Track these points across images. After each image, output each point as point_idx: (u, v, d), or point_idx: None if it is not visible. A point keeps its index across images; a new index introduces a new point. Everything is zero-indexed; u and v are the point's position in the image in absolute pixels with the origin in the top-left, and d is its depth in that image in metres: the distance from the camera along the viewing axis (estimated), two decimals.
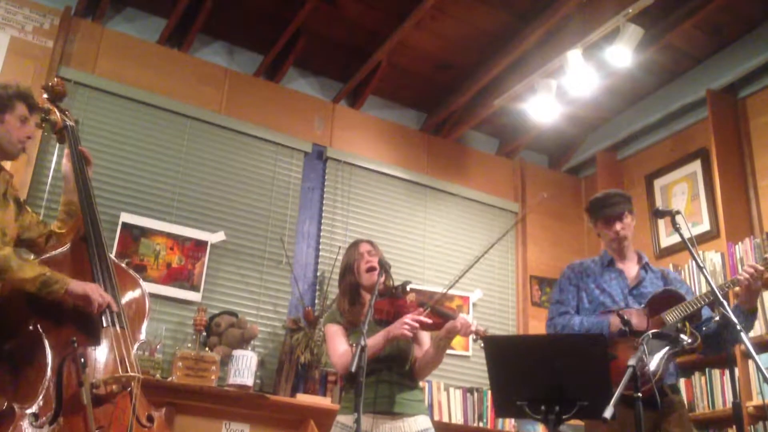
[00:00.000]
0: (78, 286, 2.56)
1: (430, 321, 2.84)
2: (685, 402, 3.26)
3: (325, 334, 3.06)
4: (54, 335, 2.52)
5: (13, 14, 4.20)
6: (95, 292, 2.58)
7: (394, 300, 2.96)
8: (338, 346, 2.94)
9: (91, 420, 2.35)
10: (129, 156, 4.37)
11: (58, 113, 3.02)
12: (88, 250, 2.74)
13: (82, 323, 2.57)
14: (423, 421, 2.93)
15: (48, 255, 2.71)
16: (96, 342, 2.57)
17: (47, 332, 2.52)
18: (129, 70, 4.49)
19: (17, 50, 4.13)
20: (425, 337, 3.03)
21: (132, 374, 2.53)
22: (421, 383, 3.10)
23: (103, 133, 4.32)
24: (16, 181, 2.97)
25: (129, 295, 2.84)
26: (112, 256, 2.89)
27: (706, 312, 3.01)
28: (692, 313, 2.88)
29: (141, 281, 2.95)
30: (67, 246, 2.78)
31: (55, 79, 3.11)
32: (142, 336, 2.86)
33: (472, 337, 2.84)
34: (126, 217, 4.21)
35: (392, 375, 2.94)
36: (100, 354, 2.56)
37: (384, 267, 2.91)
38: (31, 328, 2.51)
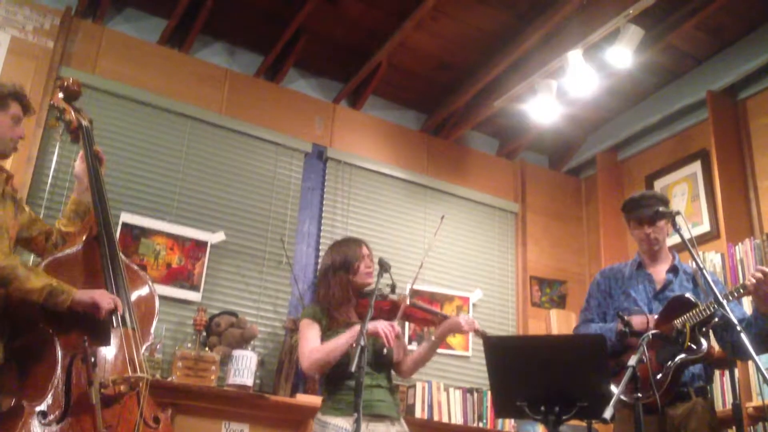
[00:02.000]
0: (84, 295, 2.55)
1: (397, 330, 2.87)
2: (713, 406, 3.16)
3: (300, 328, 3.03)
4: (65, 333, 2.53)
5: (14, 14, 4.20)
6: (103, 298, 2.57)
7: (391, 302, 3.00)
8: (311, 341, 2.93)
9: (100, 419, 2.35)
10: (129, 156, 4.37)
11: (72, 113, 3.03)
12: (100, 250, 2.75)
13: (92, 322, 2.57)
14: (404, 424, 2.99)
15: (60, 254, 2.72)
16: (106, 342, 2.58)
17: (58, 330, 2.52)
18: (129, 70, 4.49)
19: (17, 50, 4.13)
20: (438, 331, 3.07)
21: (141, 375, 2.53)
22: (405, 384, 3.15)
23: (103, 134, 4.31)
24: (16, 181, 2.99)
25: (139, 296, 2.84)
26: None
27: (738, 314, 2.92)
28: (704, 319, 2.80)
29: (150, 282, 2.95)
30: (80, 245, 2.77)
31: (71, 79, 3.11)
32: (151, 336, 2.87)
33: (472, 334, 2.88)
34: (126, 217, 4.22)
35: (384, 378, 2.96)
36: (110, 354, 2.57)
37: (384, 267, 2.91)
38: (42, 325, 2.52)
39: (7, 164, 2.87)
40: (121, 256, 2.84)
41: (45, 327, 2.52)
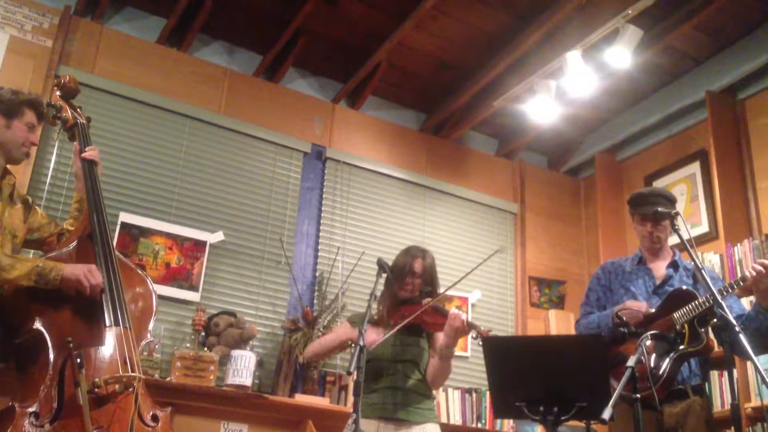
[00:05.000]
0: (72, 270, 2.55)
1: None
2: (710, 403, 3.17)
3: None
4: (57, 334, 2.51)
5: (13, 13, 4.20)
6: (87, 275, 2.56)
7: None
8: (329, 335, 3.02)
9: (88, 421, 2.33)
10: (128, 156, 4.36)
11: (69, 110, 3.04)
12: (94, 249, 2.74)
13: (86, 322, 2.57)
14: (431, 429, 2.93)
15: (54, 253, 2.72)
16: (99, 341, 2.56)
17: (50, 331, 2.51)
18: (128, 69, 4.49)
19: (16, 49, 4.12)
20: (439, 342, 3.02)
21: (133, 374, 2.52)
22: (434, 392, 3.10)
23: (102, 133, 4.32)
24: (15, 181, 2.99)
25: (135, 294, 2.82)
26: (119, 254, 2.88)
27: (737, 309, 2.92)
28: (701, 313, 2.81)
29: (149, 280, 2.94)
30: (73, 244, 2.77)
31: (68, 76, 3.11)
32: (149, 335, 2.85)
33: (471, 335, 2.84)
34: (125, 217, 4.21)
35: (406, 381, 2.94)
36: (103, 353, 2.55)
37: (383, 268, 2.92)
38: (34, 327, 2.51)
39: (12, 168, 2.88)
40: (118, 254, 2.83)
41: (37, 327, 2.50)
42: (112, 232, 4.09)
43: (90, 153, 2.98)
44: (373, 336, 2.89)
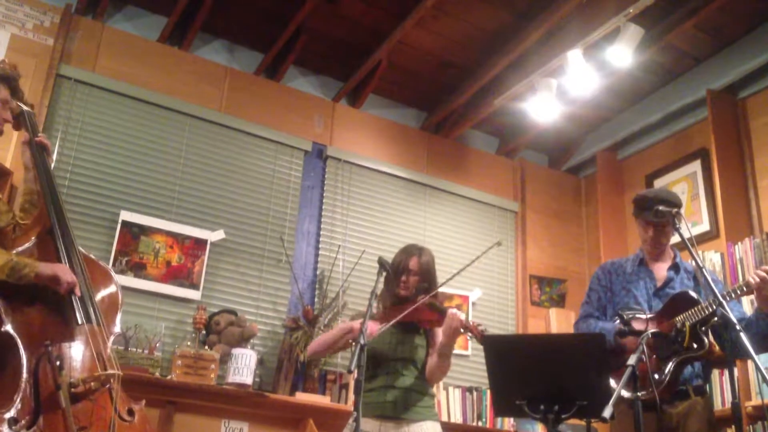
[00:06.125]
0: (47, 268, 2.50)
1: None
2: (712, 404, 3.14)
3: None
4: (27, 336, 2.44)
5: (14, 12, 4.20)
6: (65, 273, 2.52)
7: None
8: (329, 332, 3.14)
9: (71, 421, 2.30)
10: (129, 154, 4.37)
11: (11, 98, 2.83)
12: (55, 243, 2.64)
13: (56, 321, 2.52)
14: (430, 427, 2.93)
15: (14, 251, 2.58)
16: (71, 339, 2.51)
17: (20, 333, 2.44)
18: (129, 68, 4.49)
19: (17, 48, 4.12)
20: (438, 340, 3.03)
21: (111, 372, 2.48)
22: (433, 389, 3.10)
23: (102, 131, 4.33)
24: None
25: (101, 289, 2.76)
26: (81, 248, 2.77)
27: (738, 313, 2.90)
28: (704, 317, 2.78)
29: (113, 272, 2.88)
30: (33, 241, 2.66)
31: (5, 60, 2.91)
32: (117, 329, 2.77)
33: (468, 335, 2.84)
34: (126, 215, 4.21)
35: (403, 379, 2.94)
36: (77, 352, 2.50)
37: (384, 267, 2.92)
38: (2, 329, 2.43)
39: None
40: (79, 248, 2.72)
41: (6, 329, 2.43)
42: (112, 230, 4.12)
43: (42, 137, 2.83)
44: (374, 328, 2.90)
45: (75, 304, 2.56)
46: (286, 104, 4.97)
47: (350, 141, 5.14)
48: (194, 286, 4.31)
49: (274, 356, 4.38)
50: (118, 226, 4.17)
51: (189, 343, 4.10)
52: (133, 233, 4.22)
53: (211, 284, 4.38)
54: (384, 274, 2.93)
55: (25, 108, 2.86)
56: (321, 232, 4.85)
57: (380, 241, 4.96)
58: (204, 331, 4.12)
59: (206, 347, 4.07)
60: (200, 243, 4.39)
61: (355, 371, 2.48)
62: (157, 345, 3.98)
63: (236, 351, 4.05)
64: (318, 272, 4.74)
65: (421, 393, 2.97)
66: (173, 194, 4.44)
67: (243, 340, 4.15)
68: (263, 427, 4.06)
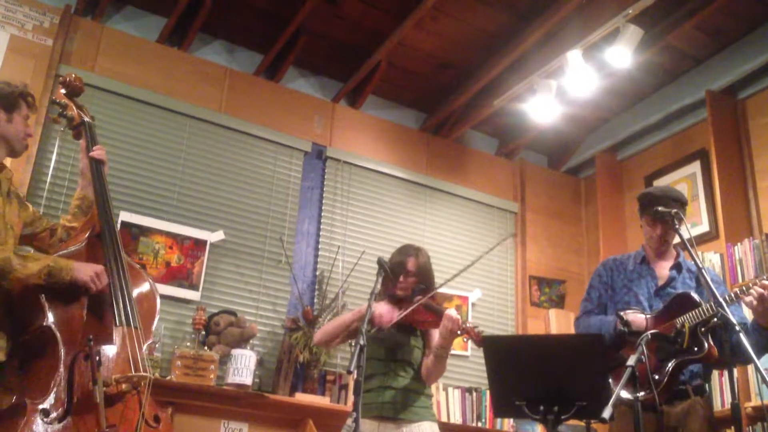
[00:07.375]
0: (82, 270, 2.57)
1: None
2: (711, 404, 3.14)
3: None
4: (67, 332, 2.52)
5: (13, 12, 4.20)
6: (99, 272, 2.59)
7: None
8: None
9: (103, 418, 2.35)
10: (128, 155, 4.36)
11: (75, 109, 3.04)
12: (103, 248, 2.75)
13: (96, 320, 2.58)
14: (428, 427, 2.93)
15: (64, 251, 2.72)
16: (108, 340, 2.58)
17: (61, 329, 2.52)
18: (129, 68, 4.49)
19: (17, 48, 4.12)
20: (434, 341, 3.02)
21: (144, 374, 2.53)
22: (432, 389, 3.10)
23: (102, 132, 4.28)
24: (15, 179, 3.00)
25: (141, 294, 2.84)
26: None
27: (738, 317, 2.86)
28: (704, 319, 2.77)
29: (151, 281, 2.96)
30: (83, 243, 2.77)
31: (73, 75, 3.11)
32: (153, 335, 2.88)
33: (464, 338, 2.83)
34: (125, 216, 4.21)
35: (399, 380, 2.94)
36: (113, 352, 2.57)
37: (384, 267, 2.92)
38: (45, 323, 2.51)
39: (7, 162, 2.87)
40: (125, 255, 2.84)
41: (48, 324, 2.51)
42: (117, 229, 4.11)
43: (98, 152, 2.98)
44: (393, 315, 2.89)
45: (115, 305, 2.64)
46: (286, 105, 4.97)
47: (350, 142, 5.14)
48: (194, 286, 4.31)
49: (274, 357, 4.38)
50: (118, 227, 4.15)
51: (188, 343, 4.10)
52: (132, 234, 4.22)
53: (210, 285, 4.38)
54: (383, 274, 2.92)
55: (86, 119, 3.04)
56: (321, 233, 4.85)
57: (380, 242, 4.96)
58: (203, 332, 4.12)
59: (206, 348, 4.07)
60: (200, 243, 4.39)
61: (355, 372, 2.48)
62: (157, 346, 3.98)
63: (236, 352, 4.05)
64: (318, 273, 4.74)
65: (419, 393, 2.97)
66: (173, 195, 4.44)
67: (242, 341, 4.15)
68: (263, 428, 4.06)
